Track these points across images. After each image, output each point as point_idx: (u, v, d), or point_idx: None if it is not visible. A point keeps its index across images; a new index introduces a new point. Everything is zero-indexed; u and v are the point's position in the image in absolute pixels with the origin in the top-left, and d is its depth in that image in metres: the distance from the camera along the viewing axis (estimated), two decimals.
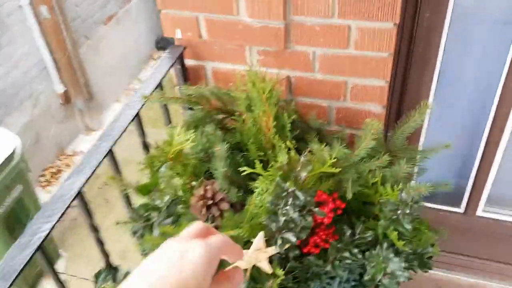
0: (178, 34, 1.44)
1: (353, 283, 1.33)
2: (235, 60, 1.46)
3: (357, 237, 1.25)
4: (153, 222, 1.09)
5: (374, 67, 1.33)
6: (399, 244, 1.18)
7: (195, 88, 1.31)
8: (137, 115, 1.23)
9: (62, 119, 3.60)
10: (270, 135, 1.27)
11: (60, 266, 2.72)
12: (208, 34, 1.42)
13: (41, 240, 0.86)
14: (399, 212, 1.19)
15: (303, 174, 1.13)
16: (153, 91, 1.30)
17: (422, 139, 1.62)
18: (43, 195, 3.12)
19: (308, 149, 1.20)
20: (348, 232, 1.23)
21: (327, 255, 1.24)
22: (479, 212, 1.74)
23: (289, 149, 1.17)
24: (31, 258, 0.83)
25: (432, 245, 1.29)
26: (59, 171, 3.53)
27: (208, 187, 1.29)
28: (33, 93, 3.25)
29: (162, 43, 4.72)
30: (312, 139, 1.31)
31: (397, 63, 1.38)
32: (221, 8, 1.34)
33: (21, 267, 0.80)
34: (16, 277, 0.79)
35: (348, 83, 1.39)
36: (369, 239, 1.24)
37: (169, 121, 1.43)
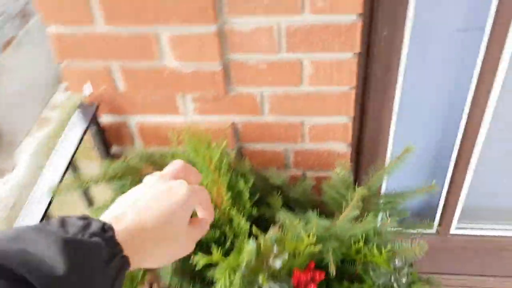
0: (86, 91, 1.13)
1: None
2: (165, 110, 1.18)
3: None
4: None
5: (333, 104, 1.12)
6: None
7: (119, 163, 1.02)
8: (45, 214, 0.92)
9: None
10: (225, 208, 1.02)
11: None
12: (126, 86, 1.13)
13: None
14: (392, 280, 1.00)
15: (278, 265, 0.89)
16: (63, 175, 0.99)
17: (389, 149, 1.43)
18: None
19: (277, 224, 0.96)
20: None
21: None
22: (453, 230, 1.61)
23: (255, 235, 0.92)
24: None
25: None
26: None
27: (154, 285, 1.02)
28: None
29: None
30: (275, 203, 1.08)
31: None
32: (138, 53, 1.06)
33: None
34: None
35: (305, 123, 1.17)
36: None
37: (89, 202, 1.13)
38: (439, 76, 1.26)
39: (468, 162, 1.41)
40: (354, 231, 0.98)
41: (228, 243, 1.03)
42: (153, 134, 1.22)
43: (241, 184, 1.02)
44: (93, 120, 1.14)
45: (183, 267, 1.06)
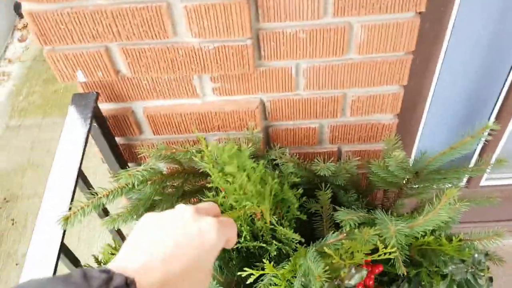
0: (80, 77, 0.90)
1: None
2: (178, 94, 0.97)
3: None
4: None
5: (385, 73, 0.93)
6: None
7: (135, 170, 0.82)
8: (62, 246, 0.74)
9: None
10: (267, 226, 0.86)
11: None
12: (130, 70, 0.90)
13: None
14: (468, 274, 0.89)
15: (353, 283, 0.75)
16: (73, 195, 0.79)
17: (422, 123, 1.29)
18: None
19: (343, 233, 0.81)
20: None
21: None
22: (483, 182, 1.52)
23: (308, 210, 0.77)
24: None
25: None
26: None
27: None
28: None
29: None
30: (324, 199, 0.92)
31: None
32: (145, 31, 0.82)
33: None
34: None
35: (348, 96, 0.99)
36: None
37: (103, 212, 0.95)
38: (486, 37, 1.08)
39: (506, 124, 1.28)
40: (427, 226, 0.84)
41: (273, 253, 0.89)
42: (165, 121, 1.01)
43: (289, 194, 0.85)
44: (95, 113, 0.92)
45: (227, 278, 0.92)
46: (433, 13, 0.97)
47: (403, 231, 0.77)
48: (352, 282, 0.75)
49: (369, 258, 0.81)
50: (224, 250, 0.92)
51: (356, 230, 0.78)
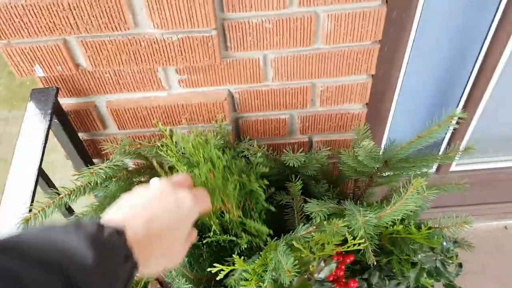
0: (38, 72, 0.86)
1: None
2: (142, 86, 0.94)
3: None
4: None
5: (353, 62, 0.93)
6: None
7: (98, 168, 0.79)
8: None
9: None
10: (236, 220, 0.85)
11: None
12: (90, 63, 0.86)
13: None
14: (437, 261, 0.90)
15: (323, 276, 0.75)
16: (33, 195, 0.76)
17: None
18: None
19: (313, 226, 0.81)
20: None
21: None
22: (453, 168, 1.54)
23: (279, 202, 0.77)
24: None
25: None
26: None
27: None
28: None
29: None
30: (294, 190, 0.91)
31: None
32: (104, 23, 0.79)
33: None
34: None
35: (317, 86, 0.98)
36: None
37: (67, 210, 0.91)
38: (453, 26, 1.08)
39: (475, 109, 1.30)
40: (395, 216, 0.85)
41: (243, 246, 0.88)
42: (129, 115, 0.98)
43: (255, 185, 0.83)
44: (55, 109, 0.88)
45: (196, 275, 0.90)
46: (401, 1, 0.96)
47: (371, 222, 0.77)
48: (322, 275, 0.74)
49: (340, 249, 0.81)
50: (194, 246, 0.91)
51: (325, 222, 0.78)
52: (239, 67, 0.92)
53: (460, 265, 1.02)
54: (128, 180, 0.92)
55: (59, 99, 0.91)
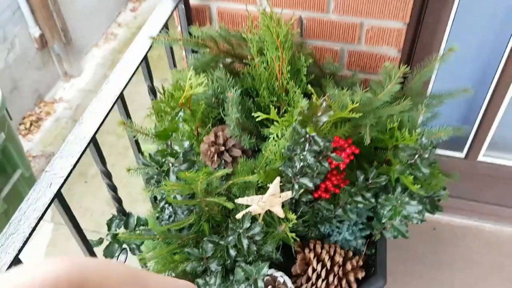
0: None
1: (361, 226, 1.33)
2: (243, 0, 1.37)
3: (370, 182, 1.24)
4: (168, 168, 1.04)
5: (392, 8, 1.27)
6: (414, 188, 1.17)
7: (205, 29, 1.22)
8: (145, 57, 1.14)
9: (39, 65, 3.41)
10: (283, 80, 1.22)
11: (46, 215, 2.66)
12: None
13: (58, 187, 0.81)
14: (416, 156, 1.17)
15: (324, 119, 1.08)
16: (159, 32, 1.21)
17: (430, 86, 1.59)
18: (24, 144, 3.01)
19: (327, 94, 1.15)
20: (362, 177, 1.22)
21: (338, 200, 1.24)
22: (480, 157, 1.76)
23: (310, 94, 1.12)
24: (50, 203, 0.78)
25: (444, 189, 1.29)
26: (39, 119, 3.39)
27: (219, 133, 1.24)
28: (7, 37, 3.04)
29: None
30: (327, 84, 1.26)
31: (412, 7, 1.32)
32: None
33: (41, 214, 0.75)
34: (39, 220, 0.74)
35: (364, 24, 1.33)
36: (383, 183, 1.22)
37: (174, 65, 1.35)
38: (492, 8, 1.38)
39: (505, 92, 1.54)
40: (392, 111, 1.15)
41: (283, 109, 1.24)
42: (229, 19, 1.42)
43: (302, 61, 1.20)
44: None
45: (244, 122, 1.27)
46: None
47: (366, 95, 1.09)
48: (323, 118, 1.07)
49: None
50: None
51: (336, 92, 1.12)
52: None
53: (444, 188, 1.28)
54: (216, 56, 1.33)
55: None
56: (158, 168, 1.07)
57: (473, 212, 1.91)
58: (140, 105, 1.86)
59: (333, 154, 1.12)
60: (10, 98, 3.08)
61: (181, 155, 1.03)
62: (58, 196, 0.84)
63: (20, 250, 0.74)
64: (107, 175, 1.05)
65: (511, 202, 1.85)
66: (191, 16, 1.42)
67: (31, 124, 3.34)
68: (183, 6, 1.36)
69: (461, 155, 1.78)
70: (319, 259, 1.28)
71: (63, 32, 3.43)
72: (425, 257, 1.84)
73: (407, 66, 1.12)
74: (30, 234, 0.75)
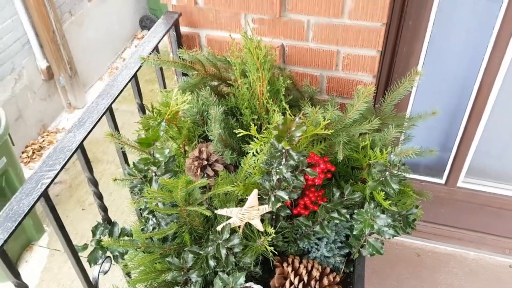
0: (173, 0, 1.46)
1: (339, 244, 1.38)
2: (229, 28, 1.48)
3: (345, 198, 1.30)
4: (151, 177, 1.11)
5: (366, 37, 1.38)
6: (385, 203, 1.23)
7: (192, 52, 1.33)
8: (135, 75, 1.25)
9: (45, 96, 3.55)
10: (264, 99, 1.31)
11: (43, 241, 2.71)
12: (204, 2, 1.44)
13: (45, 186, 0.88)
14: (387, 173, 1.24)
15: (298, 135, 1.17)
16: (150, 54, 1.31)
17: (408, 110, 1.68)
18: (25, 172, 3.09)
19: (302, 112, 1.24)
20: (337, 194, 1.28)
21: (316, 217, 1.30)
22: (460, 183, 1.82)
23: (284, 110, 1.21)
24: (35, 202, 0.85)
25: (416, 207, 1.35)
26: (41, 148, 3.49)
27: (203, 149, 1.32)
28: (15, 68, 3.20)
29: (146, 23, 4.68)
30: (304, 105, 1.35)
31: (387, 35, 1.43)
32: None
33: (28, 209, 0.82)
34: (23, 219, 0.81)
35: (341, 52, 1.44)
36: (357, 199, 1.29)
37: (163, 85, 1.45)
38: (464, 34, 1.49)
39: (477, 124, 1.63)
40: (362, 129, 1.24)
41: (264, 127, 1.32)
42: (217, 47, 1.53)
43: (280, 82, 1.30)
44: (174, 26, 1.46)
45: (227, 139, 1.36)
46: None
47: (337, 113, 1.18)
48: (296, 133, 1.15)
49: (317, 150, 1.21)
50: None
51: (309, 110, 1.21)
52: (291, 26, 1.42)
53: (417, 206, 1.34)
54: (204, 79, 1.43)
55: (179, 22, 1.49)
56: (142, 178, 1.14)
57: (456, 239, 1.95)
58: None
59: (308, 169, 1.19)
60: (15, 126, 3.19)
61: (162, 164, 1.11)
62: (45, 196, 0.91)
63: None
64: (94, 182, 1.12)
65: (492, 229, 1.89)
66: (182, 42, 1.53)
67: (33, 153, 3.44)
68: (174, 33, 1.48)
69: (441, 181, 1.84)
70: (297, 273, 1.32)
71: (69, 65, 3.60)
72: (408, 282, 1.87)
73: (376, 88, 1.21)
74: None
